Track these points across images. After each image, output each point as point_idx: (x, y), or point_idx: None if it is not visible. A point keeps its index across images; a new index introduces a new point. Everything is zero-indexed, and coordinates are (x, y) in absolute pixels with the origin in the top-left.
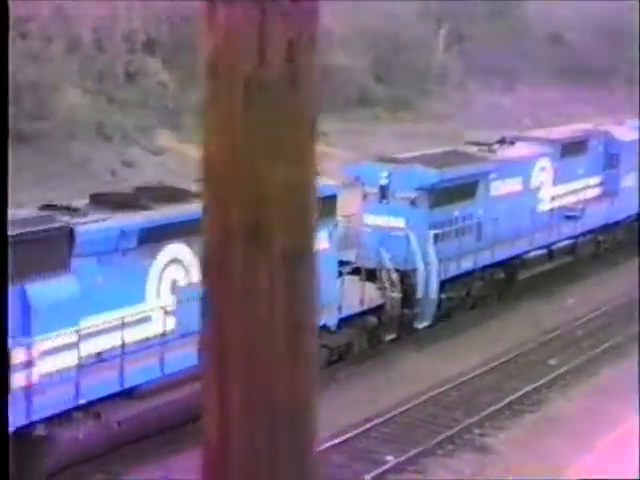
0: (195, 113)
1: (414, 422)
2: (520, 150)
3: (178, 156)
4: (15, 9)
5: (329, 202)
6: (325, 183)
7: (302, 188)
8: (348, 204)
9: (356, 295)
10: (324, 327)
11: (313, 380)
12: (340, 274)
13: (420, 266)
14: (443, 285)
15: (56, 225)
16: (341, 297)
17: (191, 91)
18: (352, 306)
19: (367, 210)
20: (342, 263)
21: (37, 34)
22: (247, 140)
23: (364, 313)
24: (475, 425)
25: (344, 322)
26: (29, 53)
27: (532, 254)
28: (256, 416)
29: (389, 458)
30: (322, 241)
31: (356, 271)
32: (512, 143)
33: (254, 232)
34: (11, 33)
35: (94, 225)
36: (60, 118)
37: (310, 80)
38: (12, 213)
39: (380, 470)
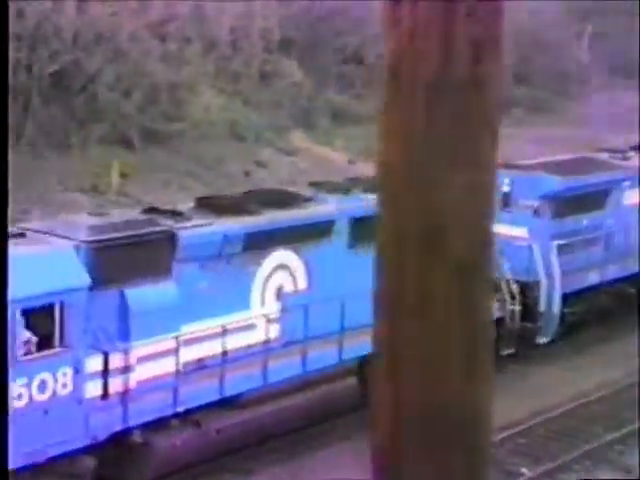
0: (328, 113)
1: (550, 435)
2: None
3: (311, 157)
4: (154, 11)
5: None
6: None
7: (481, 194)
8: None
9: None
10: None
11: (488, 392)
12: None
13: (543, 278)
14: (566, 299)
15: (158, 229)
16: None
17: (325, 91)
18: None
19: None
20: None
21: (175, 35)
22: (426, 144)
23: None
24: (616, 442)
25: None
26: (167, 55)
27: None
28: (428, 418)
29: (524, 470)
30: None
31: None
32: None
33: (429, 236)
34: (150, 35)
35: (197, 230)
36: (195, 119)
37: (494, 83)
38: (115, 215)
39: None
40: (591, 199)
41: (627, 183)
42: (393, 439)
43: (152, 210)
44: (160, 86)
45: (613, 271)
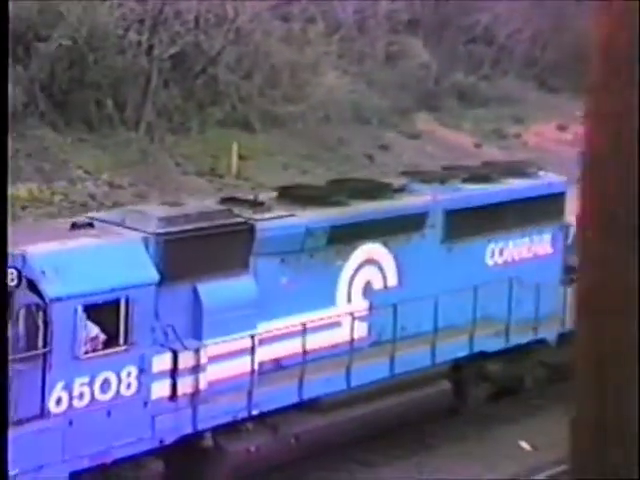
0: (456, 96)
1: None
2: None
3: (436, 140)
4: None
5: (555, 201)
6: (552, 179)
7: None
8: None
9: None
10: (542, 342)
11: None
12: (569, 282)
13: None
14: None
15: (235, 220)
16: (565, 308)
17: (452, 72)
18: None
19: None
20: (572, 270)
21: (298, 16)
22: (637, 128)
23: None
24: None
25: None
26: (289, 35)
27: None
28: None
29: None
30: (544, 245)
31: None
32: None
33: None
34: (273, 16)
35: (277, 221)
36: (317, 101)
37: None
38: (189, 206)
39: None
40: None
41: None
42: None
43: (231, 200)
44: (281, 67)
45: None
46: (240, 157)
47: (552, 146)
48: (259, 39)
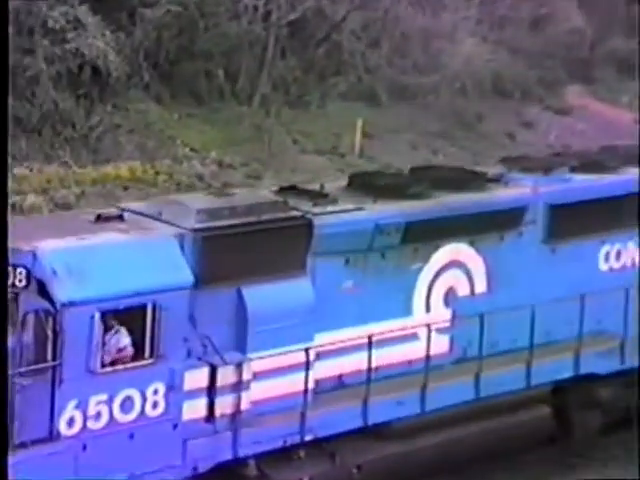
0: (614, 65)
1: None
2: None
3: (590, 116)
4: None
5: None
6: (632, 173)
7: None
8: None
9: None
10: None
11: None
12: None
13: None
14: None
15: (290, 215)
16: None
17: (610, 38)
18: None
19: None
20: None
21: None
22: None
23: None
24: None
25: None
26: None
27: None
28: None
29: None
30: (630, 253)
31: None
32: None
33: None
34: None
35: (341, 216)
36: (452, 71)
37: None
38: (239, 196)
39: None
40: None
41: None
42: None
43: (291, 189)
44: (413, 35)
45: None
46: (364, 134)
47: None
48: (388, 3)
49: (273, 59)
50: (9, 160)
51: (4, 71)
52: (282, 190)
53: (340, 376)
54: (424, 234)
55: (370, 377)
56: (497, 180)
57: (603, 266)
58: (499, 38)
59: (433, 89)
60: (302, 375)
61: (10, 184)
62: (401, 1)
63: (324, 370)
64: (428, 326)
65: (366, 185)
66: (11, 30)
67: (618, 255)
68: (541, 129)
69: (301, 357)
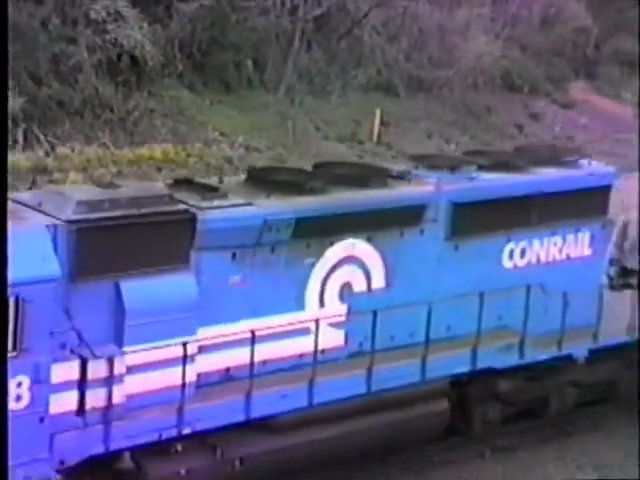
0: (617, 63)
1: None
2: None
3: (592, 110)
4: None
5: (597, 195)
6: (596, 169)
7: None
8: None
9: (624, 318)
10: (569, 358)
11: None
12: (624, 286)
13: None
14: None
15: (173, 208)
16: (599, 320)
17: (615, 37)
18: (614, 333)
19: None
20: (628, 273)
21: None
22: None
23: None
24: None
25: (607, 352)
26: None
27: None
28: None
29: None
30: (581, 246)
31: None
32: None
33: None
34: None
35: (228, 211)
36: (465, 66)
37: None
38: (125, 189)
39: None
40: None
41: None
42: None
43: (184, 183)
44: (430, 31)
45: None
46: (382, 123)
47: None
48: (406, 1)
49: (298, 51)
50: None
51: (4, 71)
52: (177, 183)
53: (228, 369)
54: (317, 230)
55: (255, 371)
56: (401, 177)
57: (507, 263)
58: (510, 35)
59: (447, 82)
60: (180, 369)
61: (53, 162)
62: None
63: (210, 363)
64: (316, 321)
65: (263, 180)
66: (56, 20)
67: (523, 253)
68: (547, 121)
69: (180, 351)
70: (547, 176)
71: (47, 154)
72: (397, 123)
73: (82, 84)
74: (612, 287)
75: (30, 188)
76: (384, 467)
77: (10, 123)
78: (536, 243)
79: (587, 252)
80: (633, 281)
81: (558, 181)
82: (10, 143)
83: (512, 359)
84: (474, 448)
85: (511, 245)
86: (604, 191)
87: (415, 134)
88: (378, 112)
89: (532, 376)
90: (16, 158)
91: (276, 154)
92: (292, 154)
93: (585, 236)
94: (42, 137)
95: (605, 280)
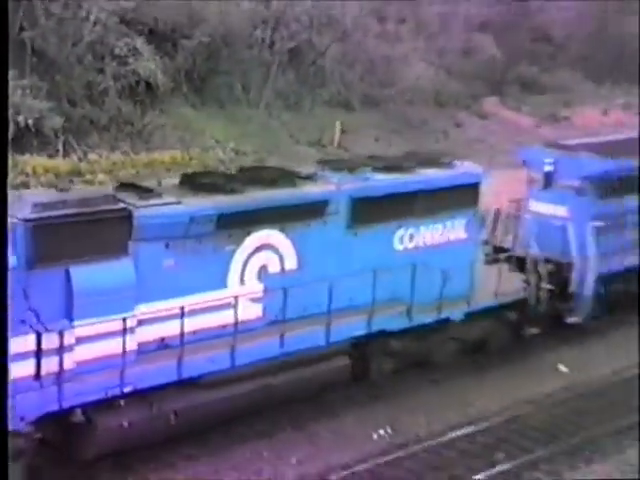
0: (518, 84)
1: None
2: None
3: (500, 120)
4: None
5: (469, 190)
6: (468, 169)
7: None
8: (511, 188)
9: (491, 287)
10: (448, 320)
11: None
12: (494, 261)
13: (576, 259)
14: (606, 279)
15: (112, 207)
16: (472, 289)
17: (516, 65)
18: (484, 299)
19: (532, 196)
20: (498, 250)
21: (392, 17)
22: None
23: (504, 306)
24: None
25: (482, 314)
26: (384, 33)
27: None
28: None
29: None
30: (458, 231)
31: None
32: None
33: None
34: (371, 17)
35: (158, 209)
36: (404, 86)
37: None
38: (75, 192)
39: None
40: (634, 182)
41: None
42: None
43: (126, 186)
44: (378, 60)
45: None
46: (342, 131)
47: (596, 127)
48: (360, 37)
49: (276, 76)
50: (9, 161)
51: (4, 71)
52: (122, 185)
53: (163, 339)
54: (236, 223)
55: (186, 339)
56: (309, 178)
57: (398, 246)
58: (439, 63)
59: (391, 99)
60: (121, 339)
61: (85, 166)
62: (369, 35)
63: (148, 334)
64: (236, 297)
65: (193, 182)
66: (89, 56)
67: (411, 238)
68: (466, 129)
69: (120, 325)
70: (429, 175)
71: (80, 160)
72: (353, 131)
73: (108, 105)
74: (486, 262)
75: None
76: (299, 413)
77: (53, 136)
78: (421, 229)
79: (463, 235)
80: (502, 256)
81: (437, 179)
82: (52, 152)
83: (402, 323)
84: (371, 393)
85: (401, 231)
86: (474, 186)
87: (366, 139)
88: (338, 123)
89: (419, 335)
90: (57, 163)
91: (259, 157)
92: (272, 156)
93: (461, 222)
94: (77, 146)
95: (481, 256)
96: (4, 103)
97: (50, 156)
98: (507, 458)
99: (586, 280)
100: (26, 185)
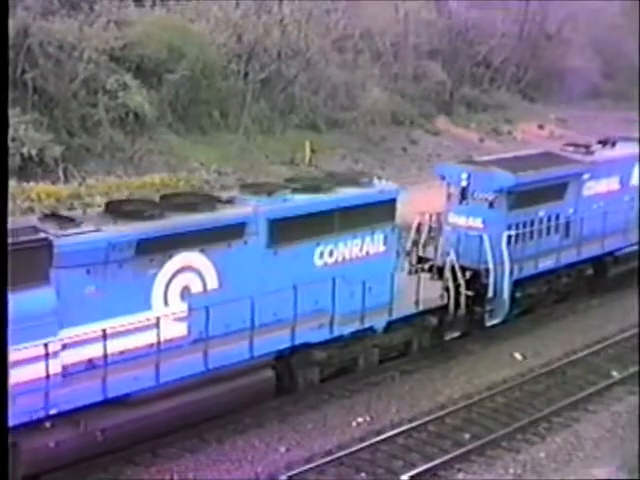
0: (464, 104)
1: None
2: (621, 151)
3: (451, 136)
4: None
5: (387, 206)
6: (385, 187)
7: None
8: (434, 202)
9: (412, 296)
10: (371, 329)
11: None
12: (418, 270)
13: (491, 266)
14: (521, 283)
15: (33, 237)
16: (393, 299)
17: (462, 87)
18: (405, 308)
19: (451, 209)
20: (421, 260)
21: (350, 48)
22: None
23: (425, 312)
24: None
25: (403, 321)
26: (344, 63)
27: (626, 250)
28: None
29: None
30: (377, 245)
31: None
32: (614, 144)
33: None
34: (332, 49)
35: (77, 237)
36: (364, 109)
37: None
38: None
39: None
40: (548, 192)
41: (586, 176)
42: None
43: (49, 217)
44: (339, 86)
45: (570, 255)
46: (312, 150)
47: (534, 140)
48: (323, 66)
49: (251, 103)
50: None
51: (4, 72)
52: (45, 216)
53: (90, 360)
54: (156, 247)
55: (107, 360)
56: (229, 202)
57: (318, 262)
58: (394, 87)
59: (353, 121)
60: (44, 363)
61: (84, 190)
62: (330, 64)
63: (73, 357)
64: (159, 318)
65: (115, 210)
66: (83, 92)
67: (331, 253)
68: (422, 144)
69: (43, 350)
70: (346, 194)
71: (80, 185)
72: (321, 150)
73: (102, 135)
74: (409, 272)
75: (69, 209)
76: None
77: (54, 164)
78: (341, 245)
79: (382, 249)
80: (423, 267)
81: (354, 197)
82: (54, 179)
83: (324, 334)
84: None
85: (321, 248)
86: (391, 203)
87: (334, 157)
88: (308, 143)
89: (343, 344)
90: (59, 188)
91: (238, 176)
92: (249, 175)
93: (379, 237)
94: (76, 173)
95: (401, 267)
96: (4, 106)
97: (53, 182)
98: (472, 438)
99: (502, 285)
100: (32, 210)
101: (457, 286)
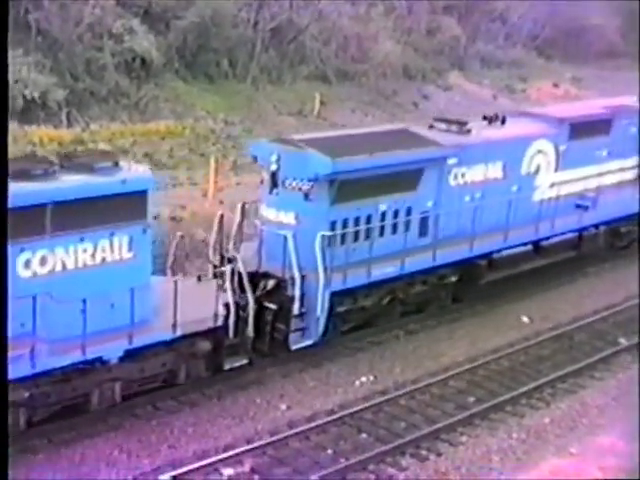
0: (478, 60)
1: None
2: (510, 130)
3: (463, 92)
4: None
5: (133, 200)
6: (132, 175)
7: None
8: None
9: (169, 317)
10: (101, 361)
11: None
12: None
13: (297, 274)
14: (351, 294)
15: None
16: (141, 319)
17: (476, 43)
18: (161, 330)
19: (263, 200)
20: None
21: (363, 1)
22: None
23: (193, 335)
24: None
25: (163, 346)
26: (357, 15)
27: (508, 252)
28: None
29: None
30: (119, 250)
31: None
32: (503, 121)
33: None
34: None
35: None
36: (376, 62)
37: None
38: None
39: None
40: (392, 180)
41: (452, 161)
42: None
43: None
44: (351, 38)
45: (425, 260)
46: (321, 103)
47: (548, 99)
48: (335, 17)
49: (260, 53)
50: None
51: (4, 72)
52: None
53: None
54: None
55: None
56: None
57: (24, 273)
58: (407, 40)
59: (364, 73)
60: None
61: (87, 136)
62: (343, 16)
63: None
64: None
65: None
66: (89, 35)
67: (43, 261)
68: (434, 100)
69: None
70: (66, 184)
71: (83, 130)
72: (331, 103)
73: (107, 79)
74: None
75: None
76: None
77: (57, 108)
78: (58, 251)
79: (127, 255)
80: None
81: (80, 189)
82: (57, 123)
83: (24, 369)
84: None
85: (27, 254)
86: (140, 196)
87: (343, 110)
88: (317, 94)
89: (61, 379)
90: (62, 133)
91: (246, 126)
92: (256, 125)
93: (123, 240)
94: (79, 118)
95: (158, 279)
96: (4, 104)
97: (55, 127)
98: (475, 401)
99: (315, 298)
100: (34, 154)
101: (258, 298)
